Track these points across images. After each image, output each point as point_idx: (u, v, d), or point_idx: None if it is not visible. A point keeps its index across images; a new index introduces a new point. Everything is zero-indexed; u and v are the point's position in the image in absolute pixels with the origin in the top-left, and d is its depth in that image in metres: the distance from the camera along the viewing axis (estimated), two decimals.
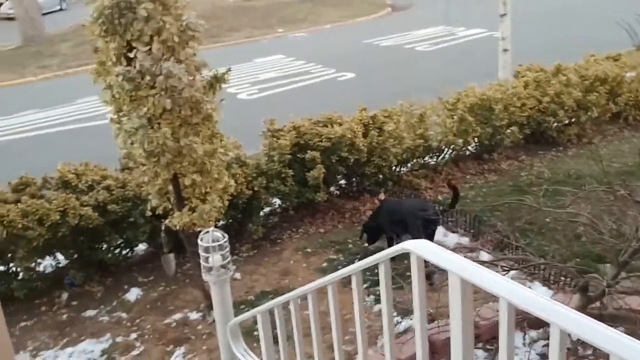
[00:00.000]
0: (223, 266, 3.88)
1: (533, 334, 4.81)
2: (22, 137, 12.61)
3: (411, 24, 21.26)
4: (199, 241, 3.85)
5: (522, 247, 5.26)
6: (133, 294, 6.34)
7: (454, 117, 8.16)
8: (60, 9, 31.21)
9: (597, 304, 4.08)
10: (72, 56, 20.57)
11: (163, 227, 5.52)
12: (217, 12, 25.69)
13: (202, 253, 3.84)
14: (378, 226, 6.66)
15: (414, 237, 6.28)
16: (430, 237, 6.10)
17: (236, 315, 5.49)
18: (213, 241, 3.82)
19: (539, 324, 4.43)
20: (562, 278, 5.36)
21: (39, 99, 15.32)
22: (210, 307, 5.86)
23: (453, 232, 6.71)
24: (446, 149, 8.30)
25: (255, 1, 28.55)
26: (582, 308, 3.91)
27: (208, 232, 3.85)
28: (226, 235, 3.86)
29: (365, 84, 14.37)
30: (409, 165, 8.08)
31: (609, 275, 4.17)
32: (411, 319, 5.25)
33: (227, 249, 3.87)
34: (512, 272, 5.44)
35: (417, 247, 1.85)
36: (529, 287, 5.23)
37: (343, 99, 12.02)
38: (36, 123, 13.43)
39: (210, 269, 3.87)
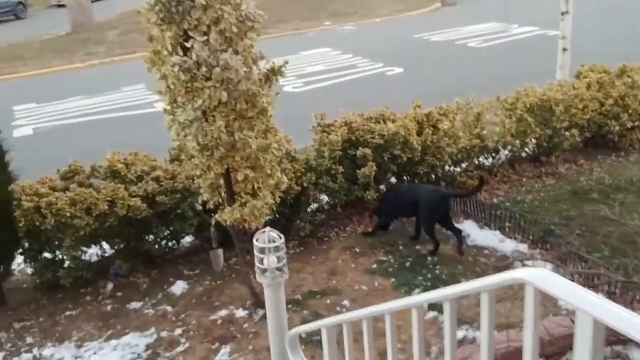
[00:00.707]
0: (278, 268, 3.71)
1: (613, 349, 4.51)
2: (69, 123, 12.69)
3: (461, 20, 20.81)
4: (254, 241, 3.68)
5: (591, 259, 4.95)
6: (178, 287, 6.23)
7: (512, 117, 7.82)
8: None
9: None
10: (118, 44, 20.74)
11: (213, 222, 5.37)
12: (266, 4, 25.56)
13: (256, 254, 3.68)
14: (386, 211, 6.96)
15: (422, 221, 6.57)
16: (437, 221, 6.51)
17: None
18: (269, 241, 3.66)
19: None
20: (629, 293, 5.03)
21: (85, 86, 15.44)
22: (256, 305, 5.72)
23: (510, 237, 6.40)
24: (503, 150, 7.97)
25: None
26: None
27: (264, 232, 3.68)
28: (282, 236, 3.69)
29: (415, 79, 14.05)
30: (463, 165, 7.77)
31: None
32: (466, 330, 5.00)
33: (284, 250, 3.70)
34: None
35: (535, 277, 1.58)
36: None
37: (391, 94, 11.77)
38: (83, 109, 13.52)
39: (264, 271, 3.70)
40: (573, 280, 4.44)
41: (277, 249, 3.66)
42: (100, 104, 13.85)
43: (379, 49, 17.31)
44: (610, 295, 5.12)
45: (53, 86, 16.14)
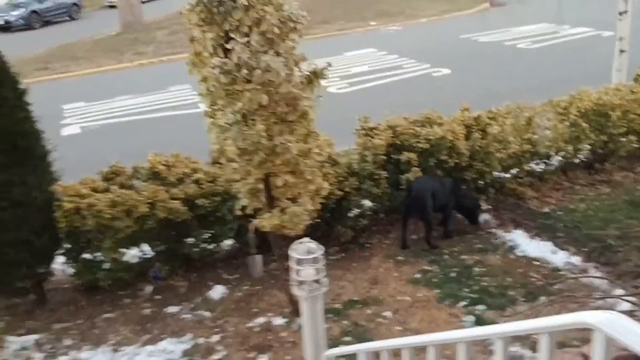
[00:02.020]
0: (316, 281, 3.54)
1: None
2: (116, 122, 12.82)
3: (510, 20, 20.26)
4: (291, 252, 3.52)
5: None
6: (217, 291, 6.13)
7: (565, 121, 7.47)
8: None
9: None
10: (166, 44, 20.94)
11: (251, 227, 5.24)
12: (310, 4, 25.45)
13: (293, 265, 3.52)
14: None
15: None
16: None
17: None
18: (307, 253, 3.49)
19: None
20: None
21: (133, 85, 15.60)
22: (295, 313, 5.56)
23: (563, 249, 6.08)
24: (555, 156, 7.61)
25: None
26: None
27: (302, 242, 3.52)
28: (322, 247, 3.52)
29: (463, 80, 13.69)
30: (513, 171, 7.45)
31: None
32: None
33: (322, 262, 3.53)
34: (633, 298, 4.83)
35: (606, 324, 1.34)
36: None
37: (438, 96, 11.50)
38: (130, 109, 13.64)
39: (301, 283, 3.54)
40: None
41: (315, 260, 3.49)
42: (148, 103, 13.96)
43: (425, 49, 16.98)
44: None
45: (102, 85, 16.37)
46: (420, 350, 2.57)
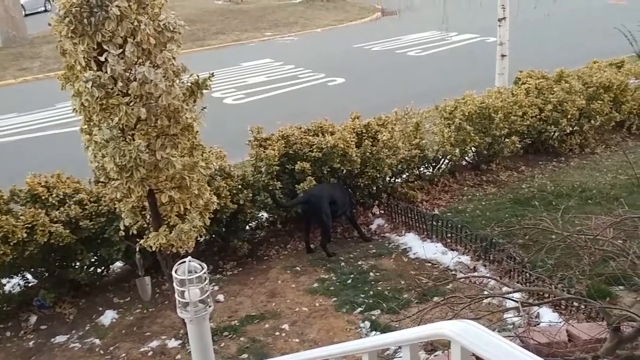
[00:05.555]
0: (202, 301, 3.39)
1: None
2: (1, 142, 12.04)
3: (402, 29, 20.87)
4: (173, 273, 3.36)
5: (534, 274, 4.81)
6: (108, 317, 5.84)
7: (451, 126, 7.72)
8: (45, 10, 30.60)
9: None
10: (54, 58, 19.92)
11: (137, 248, 5.00)
12: (205, 16, 25.21)
13: (176, 287, 3.35)
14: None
15: None
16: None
17: (219, 344, 5.04)
18: (189, 272, 3.34)
19: None
20: (575, 304, 4.91)
21: (18, 103, 14.75)
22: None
23: (452, 250, 6.24)
24: (443, 160, 7.84)
25: (246, 4, 28.14)
26: (614, 349, 3.47)
27: (184, 262, 3.36)
28: (205, 266, 3.37)
29: (356, 89, 13.94)
30: (403, 176, 7.61)
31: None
32: None
33: (207, 281, 3.39)
34: (517, 295, 5.01)
35: (461, 334, 1.31)
36: (537, 313, 4.71)
37: (333, 105, 11.61)
38: (14, 128, 12.87)
39: (186, 305, 3.38)
40: (518, 302, 4.30)
41: (199, 279, 3.35)
42: (33, 121, 13.22)
43: (320, 59, 17.19)
44: (556, 309, 5.00)
45: None
46: None
